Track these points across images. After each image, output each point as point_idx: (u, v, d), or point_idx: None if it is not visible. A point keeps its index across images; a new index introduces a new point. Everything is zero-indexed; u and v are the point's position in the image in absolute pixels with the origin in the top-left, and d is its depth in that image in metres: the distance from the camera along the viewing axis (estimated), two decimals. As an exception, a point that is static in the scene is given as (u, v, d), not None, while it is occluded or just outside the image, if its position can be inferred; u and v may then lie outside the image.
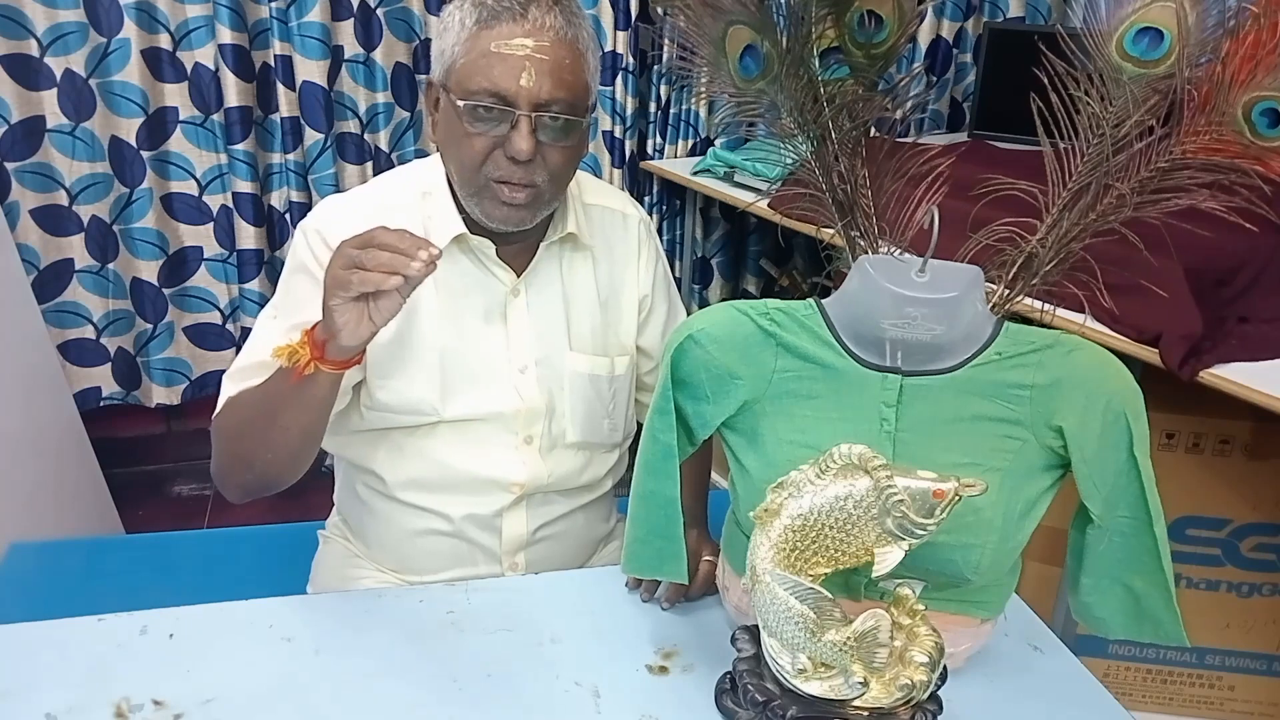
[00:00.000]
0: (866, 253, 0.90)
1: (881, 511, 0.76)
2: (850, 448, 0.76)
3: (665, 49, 2.40)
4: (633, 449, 0.99)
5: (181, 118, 2.18)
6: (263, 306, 2.26)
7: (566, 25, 1.00)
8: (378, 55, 2.27)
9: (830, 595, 0.78)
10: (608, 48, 2.40)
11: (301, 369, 0.90)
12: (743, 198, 2.13)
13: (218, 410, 1.07)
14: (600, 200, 1.19)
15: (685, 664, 0.94)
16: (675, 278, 1.29)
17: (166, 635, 0.94)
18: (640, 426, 0.94)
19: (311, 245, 1.07)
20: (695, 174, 2.30)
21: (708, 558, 1.05)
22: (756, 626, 0.84)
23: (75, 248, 2.18)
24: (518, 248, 1.12)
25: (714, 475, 1.28)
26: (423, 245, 0.84)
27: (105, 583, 1.35)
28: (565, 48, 1.00)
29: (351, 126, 2.31)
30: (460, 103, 1.00)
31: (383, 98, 2.31)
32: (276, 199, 2.31)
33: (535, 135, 0.99)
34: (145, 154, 2.17)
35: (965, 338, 0.83)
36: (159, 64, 2.13)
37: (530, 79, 0.98)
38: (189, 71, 2.15)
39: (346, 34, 2.23)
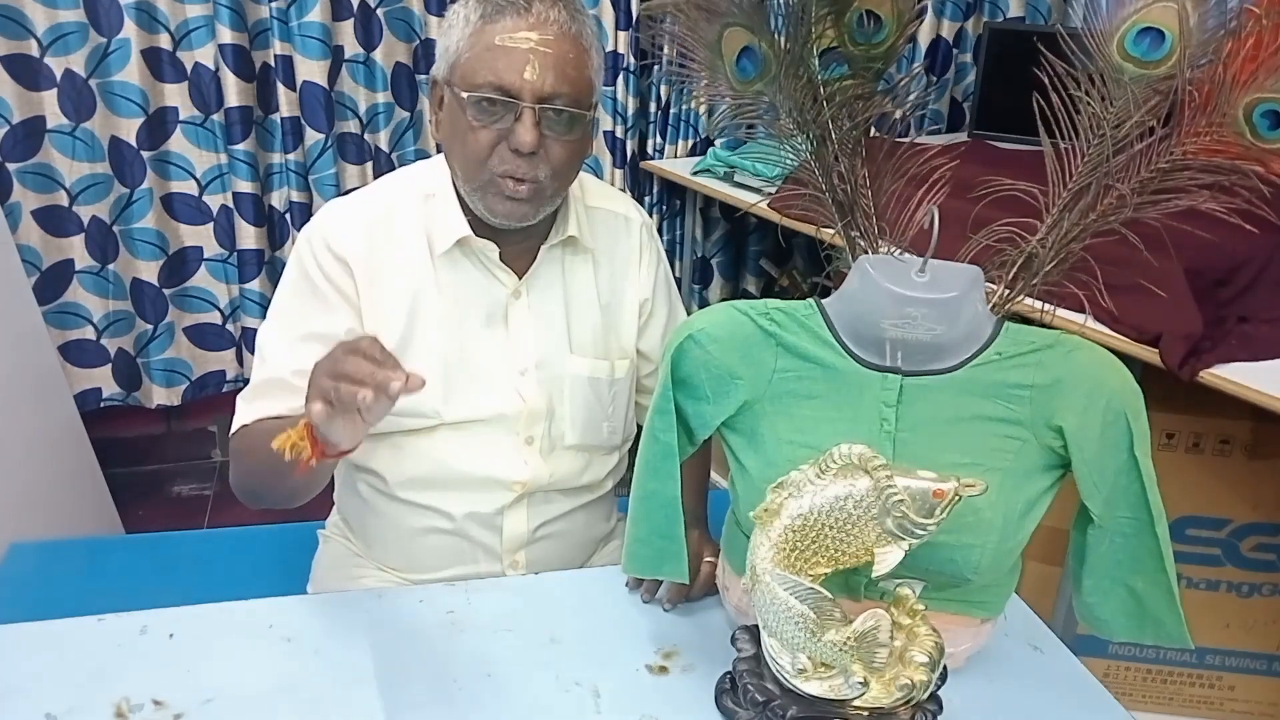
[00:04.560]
0: (866, 253, 0.90)
1: (881, 511, 0.76)
2: (850, 448, 0.76)
3: (665, 49, 2.40)
4: (633, 451, 0.99)
5: (181, 118, 2.18)
6: (263, 307, 2.29)
7: (570, 20, 1.00)
8: (378, 55, 2.27)
9: (830, 595, 0.78)
10: (608, 48, 2.40)
11: (305, 462, 0.88)
12: (743, 198, 2.13)
13: (233, 432, 1.07)
14: (603, 203, 1.19)
15: (685, 664, 0.94)
16: (675, 278, 1.29)
17: (166, 635, 0.94)
18: (640, 429, 0.94)
19: (315, 252, 1.07)
20: (695, 174, 2.30)
21: (709, 559, 1.05)
22: (756, 626, 0.84)
23: (76, 248, 2.18)
24: (519, 250, 1.12)
25: (714, 475, 1.28)
26: (397, 369, 0.79)
27: (105, 583, 1.35)
28: (569, 42, 1.00)
29: (352, 126, 2.31)
30: (465, 95, 1.00)
31: (383, 98, 2.31)
32: (277, 199, 2.31)
33: (539, 128, 1.00)
34: (145, 154, 2.17)
35: (965, 338, 0.83)
36: (159, 64, 2.13)
37: (534, 72, 0.98)
38: (189, 71, 2.15)
39: (346, 34, 2.23)
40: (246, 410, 1.07)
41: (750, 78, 0.92)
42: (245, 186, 2.23)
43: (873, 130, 0.93)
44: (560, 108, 1.00)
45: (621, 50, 2.40)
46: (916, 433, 0.84)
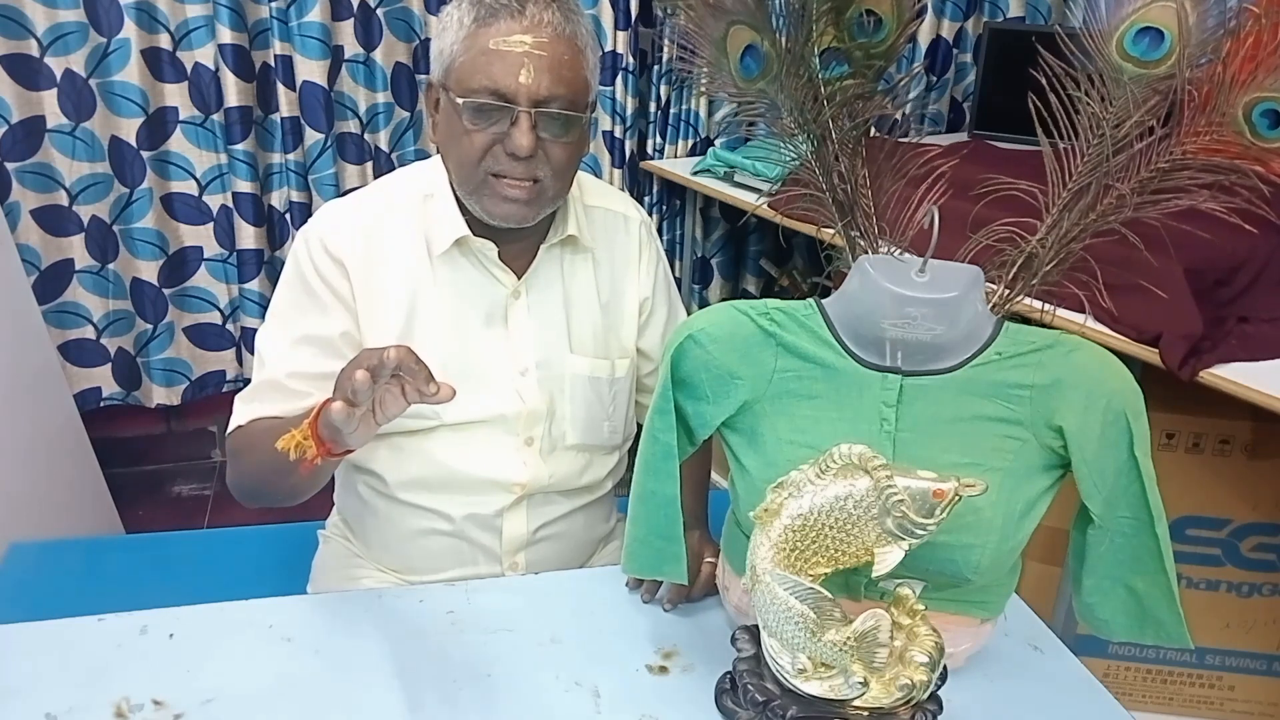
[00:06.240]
0: (866, 253, 0.90)
1: (881, 511, 0.76)
2: (850, 448, 0.76)
3: (665, 49, 2.40)
4: (633, 450, 0.99)
5: (181, 118, 2.18)
6: (263, 306, 2.29)
7: (564, 22, 1.00)
8: (378, 55, 2.27)
9: (830, 595, 0.78)
10: (608, 48, 2.40)
11: (309, 462, 0.88)
12: (743, 198, 2.13)
13: (230, 432, 1.08)
14: (601, 202, 1.19)
15: (685, 664, 0.94)
16: (675, 278, 1.28)
17: (166, 635, 0.94)
18: (640, 428, 0.94)
19: (312, 253, 1.07)
20: (695, 174, 2.30)
21: (709, 559, 1.05)
22: (756, 626, 0.84)
23: (75, 248, 2.18)
24: (518, 250, 1.12)
25: (714, 475, 1.28)
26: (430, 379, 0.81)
27: (105, 583, 1.35)
28: (564, 44, 1.00)
29: (352, 126, 2.31)
30: (460, 100, 1.00)
31: (383, 98, 2.31)
32: (277, 199, 2.31)
33: (535, 131, 0.99)
34: (145, 154, 2.17)
35: (965, 338, 0.83)
36: (159, 64, 2.13)
37: (529, 75, 0.98)
38: (189, 71, 2.15)
39: (346, 34, 2.23)
40: (243, 410, 1.07)
41: (754, 76, 0.92)
42: (245, 186, 2.23)
43: (873, 130, 0.93)
44: (556, 111, 1.00)
45: (621, 50, 2.40)
46: (916, 433, 0.84)
